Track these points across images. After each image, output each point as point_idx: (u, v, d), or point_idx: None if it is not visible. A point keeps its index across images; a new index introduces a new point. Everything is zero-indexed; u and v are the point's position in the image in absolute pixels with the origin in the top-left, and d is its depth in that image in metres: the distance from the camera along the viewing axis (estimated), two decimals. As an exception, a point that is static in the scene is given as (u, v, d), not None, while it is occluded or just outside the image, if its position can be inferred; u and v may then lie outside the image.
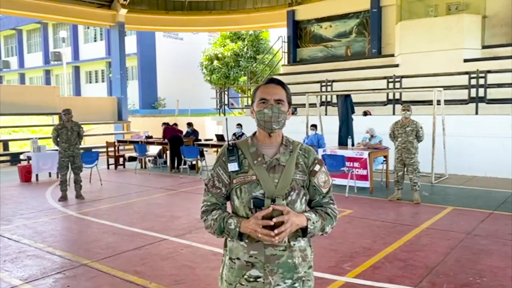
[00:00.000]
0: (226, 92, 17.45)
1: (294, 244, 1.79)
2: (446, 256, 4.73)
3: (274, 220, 1.68)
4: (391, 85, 12.49)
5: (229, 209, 1.88)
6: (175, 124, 12.97)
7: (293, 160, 1.83)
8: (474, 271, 4.30)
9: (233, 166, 1.82)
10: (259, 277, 1.76)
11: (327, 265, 4.48)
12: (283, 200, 1.74)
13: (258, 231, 1.68)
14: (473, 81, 11.06)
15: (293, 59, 18.28)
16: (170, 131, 12.03)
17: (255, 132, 1.91)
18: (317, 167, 1.86)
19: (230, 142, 1.88)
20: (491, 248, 5.01)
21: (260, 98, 1.83)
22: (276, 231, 1.67)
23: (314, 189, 1.86)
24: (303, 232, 1.78)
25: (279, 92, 1.84)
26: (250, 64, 24.31)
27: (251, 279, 1.77)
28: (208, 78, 26.10)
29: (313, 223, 1.77)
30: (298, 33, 18.28)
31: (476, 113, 10.67)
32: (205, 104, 28.01)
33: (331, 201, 1.90)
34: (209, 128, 19.48)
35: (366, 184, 8.43)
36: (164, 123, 12.61)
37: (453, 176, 9.89)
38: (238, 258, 1.81)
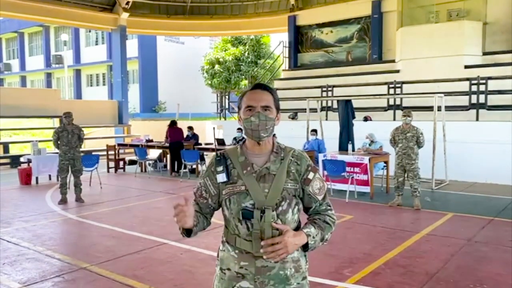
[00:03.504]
0: (227, 96, 17.48)
1: (286, 255, 1.74)
2: (446, 263, 4.71)
3: (263, 242, 1.65)
4: (391, 91, 12.50)
5: (219, 220, 1.85)
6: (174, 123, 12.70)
7: (284, 168, 1.77)
8: (475, 278, 4.28)
9: (221, 177, 1.77)
10: None
11: (327, 270, 4.46)
12: (273, 211, 1.69)
13: (175, 213, 1.64)
14: (474, 88, 11.06)
15: (294, 64, 18.29)
16: (173, 134, 11.95)
17: (245, 140, 1.85)
18: (310, 175, 1.80)
19: (218, 152, 1.83)
20: (491, 255, 5.00)
21: (246, 105, 1.76)
22: (269, 249, 1.63)
23: (309, 198, 1.81)
24: (304, 247, 1.75)
25: (266, 98, 1.77)
26: (251, 69, 24.35)
27: None
28: (209, 82, 26.15)
29: (313, 237, 1.73)
30: (299, 38, 18.31)
31: (477, 119, 10.67)
32: (206, 108, 28.05)
33: (329, 207, 1.86)
34: (209, 132, 19.47)
35: (366, 189, 8.41)
36: (172, 121, 12.43)
37: (454, 182, 9.87)
38: (228, 269, 1.77)
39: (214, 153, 1.87)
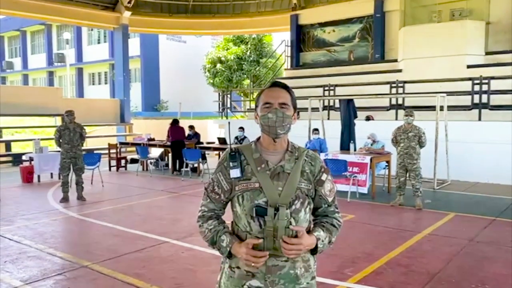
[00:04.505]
0: (228, 96, 17.47)
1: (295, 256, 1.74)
2: (448, 263, 4.70)
3: (285, 239, 1.66)
4: (394, 90, 12.48)
5: (228, 217, 1.86)
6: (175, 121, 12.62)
7: (299, 167, 1.77)
8: (477, 278, 4.27)
9: (235, 173, 1.77)
10: (260, 287, 1.73)
11: (328, 270, 4.45)
12: (286, 209, 1.69)
13: (251, 260, 1.67)
14: (476, 87, 11.02)
15: (296, 63, 18.28)
16: (175, 132, 11.96)
17: (259, 137, 1.86)
18: (324, 176, 1.82)
19: (232, 147, 1.82)
20: (493, 255, 4.99)
21: (264, 102, 1.77)
22: (284, 245, 1.65)
23: (320, 198, 1.82)
24: (312, 251, 1.77)
25: (284, 95, 1.78)
26: (253, 68, 24.33)
27: None
28: (211, 81, 26.14)
29: (322, 241, 1.76)
30: (301, 37, 18.29)
31: (479, 119, 10.64)
32: (207, 107, 28.04)
33: (336, 210, 1.87)
34: (211, 131, 19.50)
35: (364, 190, 8.37)
36: (174, 120, 12.44)
37: (456, 182, 9.85)
38: (238, 267, 1.77)
39: (227, 149, 1.85)
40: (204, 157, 11.39)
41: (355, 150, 9.18)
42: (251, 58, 25.16)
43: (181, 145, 11.67)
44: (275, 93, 1.79)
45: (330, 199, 1.84)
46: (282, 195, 1.72)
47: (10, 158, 14.85)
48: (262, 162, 1.77)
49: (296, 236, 1.67)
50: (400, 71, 13.82)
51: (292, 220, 1.70)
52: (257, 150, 1.81)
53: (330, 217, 1.84)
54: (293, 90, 1.88)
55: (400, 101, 12.13)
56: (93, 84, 34.03)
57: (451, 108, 10.34)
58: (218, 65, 25.49)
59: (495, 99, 10.92)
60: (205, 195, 1.87)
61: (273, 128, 1.74)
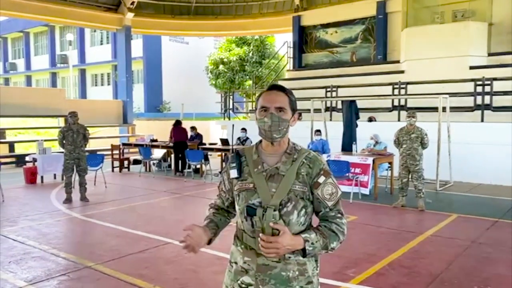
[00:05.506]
0: (231, 97, 17.50)
1: (289, 257, 1.73)
2: (450, 264, 4.71)
3: (260, 235, 1.68)
4: (396, 92, 12.48)
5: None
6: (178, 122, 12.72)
7: (294, 170, 1.77)
8: (479, 279, 4.28)
9: (233, 173, 1.84)
10: (251, 284, 1.76)
11: (330, 271, 4.46)
12: (274, 210, 1.70)
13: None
14: (479, 88, 11.03)
15: (298, 65, 18.29)
16: (178, 133, 11.99)
17: (262, 140, 1.88)
18: (321, 179, 1.77)
19: (235, 149, 1.90)
20: (496, 256, 4.99)
21: (261, 106, 1.80)
22: (261, 243, 1.66)
23: (318, 202, 1.78)
24: (303, 252, 1.72)
25: (281, 99, 1.80)
26: (256, 69, 24.35)
27: (243, 286, 1.78)
28: (213, 82, 26.18)
29: (312, 243, 1.70)
30: (304, 39, 18.31)
31: (482, 120, 10.63)
32: (210, 108, 28.09)
33: (339, 215, 1.82)
34: (213, 132, 19.52)
35: (366, 191, 8.36)
36: (177, 121, 12.48)
37: (458, 184, 9.84)
38: (235, 263, 1.83)
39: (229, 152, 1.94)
40: (206, 158, 11.41)
41: (356, 151, 9.18)
42: (254, 59, 25.18)
43: (184, 146, 11.70)
44: (272, 97, 1.81)
45: (329, 203, 1.78)
46: (274, 196, 1.74)
47: (13, 159, 14.90)
48: (258, 163, 1.81)
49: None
50: (402, 72, 13.82)
51: (281, 222, 1.71)
52: (257, 151, 1.86)
53: (330, 221, 1.79)
54: (295, 91, 1.90)
55: (402, 102, 12.13)
56: (96, 85, 34.12)
57: (453, 109, 10.34)
58: (221, 66, 25.53)
59: (498, 100, 10.91)
60: (218, 192, 2.01)
61: (269, 133, 1.77)
